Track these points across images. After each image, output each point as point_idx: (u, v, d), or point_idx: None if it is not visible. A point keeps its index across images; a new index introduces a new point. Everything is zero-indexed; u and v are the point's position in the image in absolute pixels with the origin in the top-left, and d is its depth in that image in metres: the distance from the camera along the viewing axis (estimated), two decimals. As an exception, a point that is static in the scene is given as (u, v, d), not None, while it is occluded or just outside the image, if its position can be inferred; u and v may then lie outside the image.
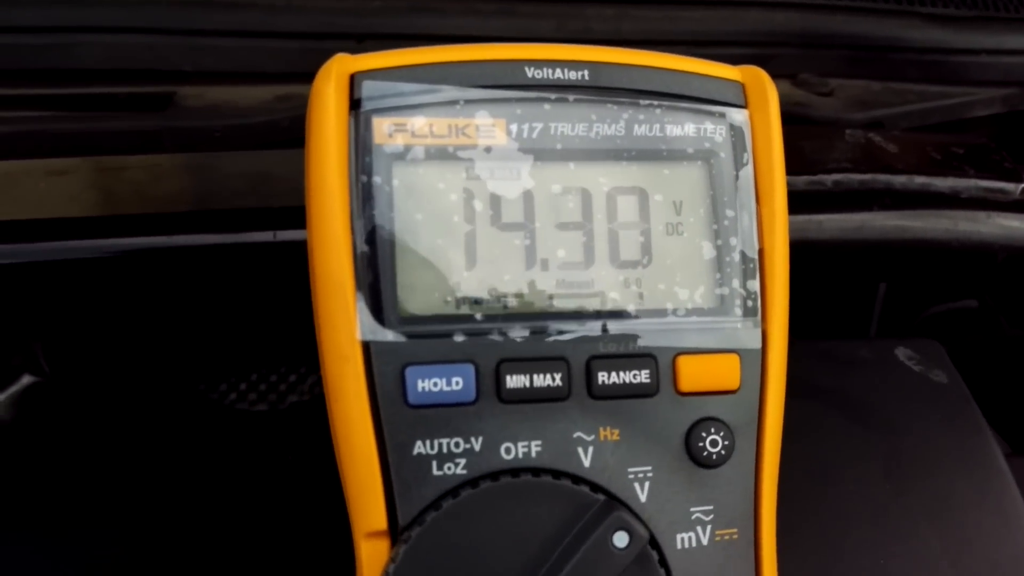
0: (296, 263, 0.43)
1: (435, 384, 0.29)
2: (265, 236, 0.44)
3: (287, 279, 0.45)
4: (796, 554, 0.41)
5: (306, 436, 0.48)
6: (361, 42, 0.59)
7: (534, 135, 0.31)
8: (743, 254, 0.32)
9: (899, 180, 0.52)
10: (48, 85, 0.54)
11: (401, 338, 0.29)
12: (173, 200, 0.46)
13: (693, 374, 0.31)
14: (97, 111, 0.54)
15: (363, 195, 0.30)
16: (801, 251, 0.50)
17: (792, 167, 0.51)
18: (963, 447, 0.46)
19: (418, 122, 0.30)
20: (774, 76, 0.66)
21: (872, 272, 0.65)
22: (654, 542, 0.30)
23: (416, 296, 0.30)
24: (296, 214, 0.44)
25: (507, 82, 0.31)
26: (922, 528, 0.43)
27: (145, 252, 0.44)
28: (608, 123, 0.32)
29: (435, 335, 0.29)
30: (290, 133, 0.51)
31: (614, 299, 0.31)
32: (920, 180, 0.53)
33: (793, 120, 0.62)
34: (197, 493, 0.45)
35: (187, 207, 0.45)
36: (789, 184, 0.51)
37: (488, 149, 0.31)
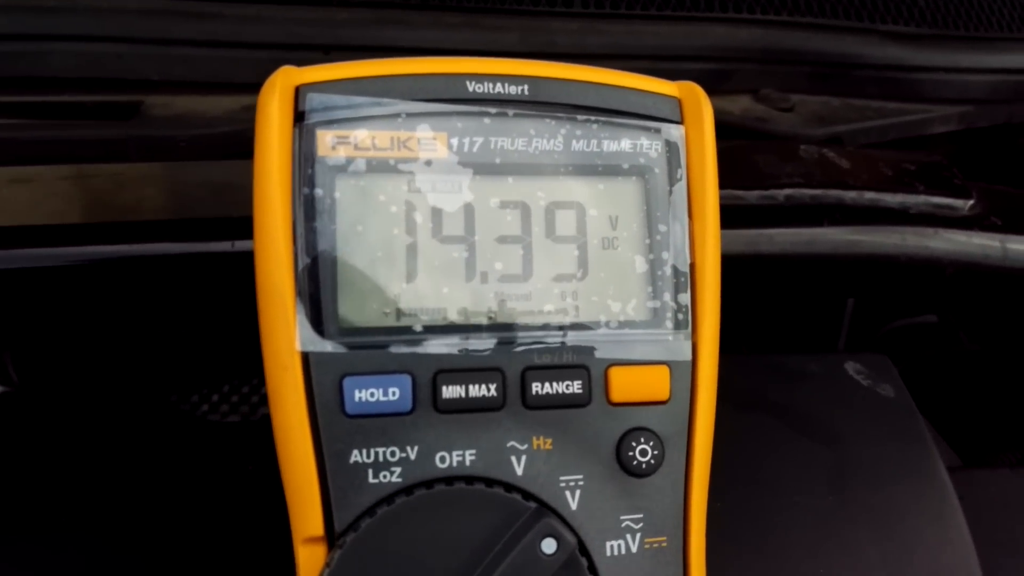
0: (249, 272, 0.44)
1: (372, 394, 0.30)
2: (223, 246, 0.45)
3: (249, 288, 0.46)
4: (738, 563, 0.42)
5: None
6: (328, 53, 0.59)
7: (474, 149, 0.32)
8: (675, 268, 0.33)
9: (850, 195, 0.53)
10: (15, 92, 0.54)
11: (340, 349, 0.30)
12: (137, 209, 0.46)
13: (624, 385, 0.32)
14: (64, 119, 0.54)
15: (305, 207, 0.30)
16: (752, 264, 0.51)
17: (745, 181, 0.53)
18: (906, 459, 0.47)
19: (361, 135, 0.31)
20: (736, 91, 0.67)
21: (828, 287, 0.66)
22: (584, 549, 0.31)
23: (356, 307, 0.30)
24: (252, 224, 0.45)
25: (449, 96, 0.32)
26: (863, 538, 0.44)
27: (112, 261, 0.44)
28: (546, 138, 0.33)
29: (373, 346, 0.30)
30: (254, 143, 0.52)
31: (550, 311, 0.32)
32: (870, 196, 0.54)
33: (753, 135, 0.63)
34: (168, 505, 0.45)
35: (150, 216, 0.46)
36: (742, 197, 0.52)
37: (429, 162, 0.32)
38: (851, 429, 0.48)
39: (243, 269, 0.45)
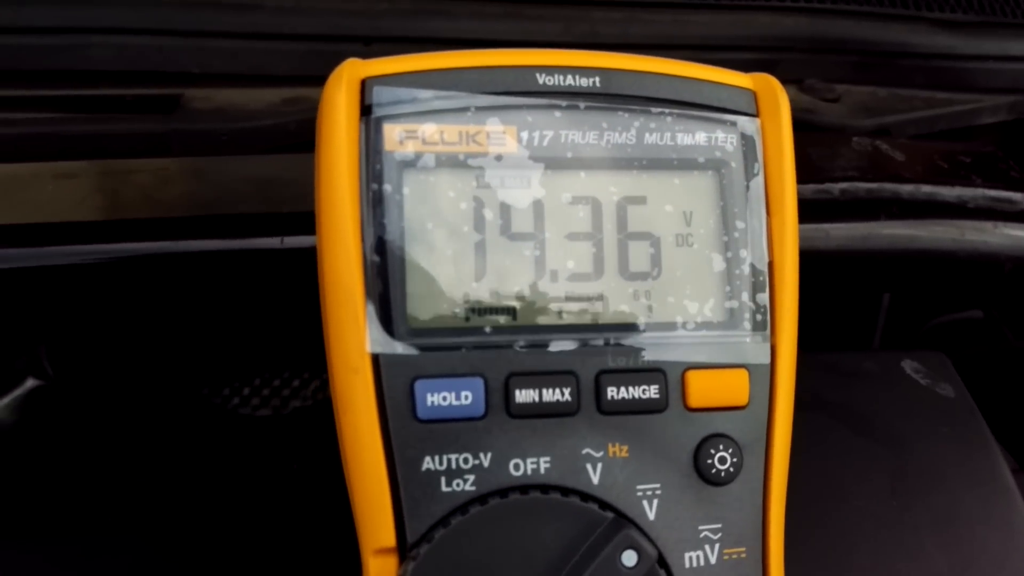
0: (301, 268, 0.43)
1: (444, 398, 0.29)
2: (272, 242, 0.44)
3: (292, 284, 0.45)
4: (801, 570, 0.40)
5: (309, 442, 0.48)
6: (368, 44, 0.59)
7: (545, 143, 0.31)
8: (753, 266, 0.32)
9: (906, 189, 0.52)
10: (55, 86, 0.54)
11: (411, 350, 0.29)
12: (180, 204, 0.46)
13: (702, 390, 0.31)
14: (104, 113, 0.53)
15: (373, 203, 0.29)
16: (807, 260, 0.50)
17: (799, 175, 0.51)
18: (970, 462, 0.46)
19: (429, 129, 0.30)
20: (781, 81, 0.66)
21: (878, 282, 0.65)
22: (662, 561, 0.30)
23: (426, 307, 0.29)
24: (303, 219, 0.44)
25: (518, 88, 0.31)
26: (928, 543, 0.43)
27: (151, 257, 0.44)
28: (619, 131, 0.31)
29: (444, 347, 0.29)
30: (297, 137, 0.51)
31: (623, 312, 0.31)
32: (927, 189, 0.52)
33: (799, 126, 0.61)
34: (200, 498, 0.44)
35: (194, 212, 0.45)
36: (796, 192, 0.51)
37: (499, 157, 0.30)
38: (912, 430, 0.47)
39: (283, 264, 0.45)
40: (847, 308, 0.70)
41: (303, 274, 0.42)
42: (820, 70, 0.67)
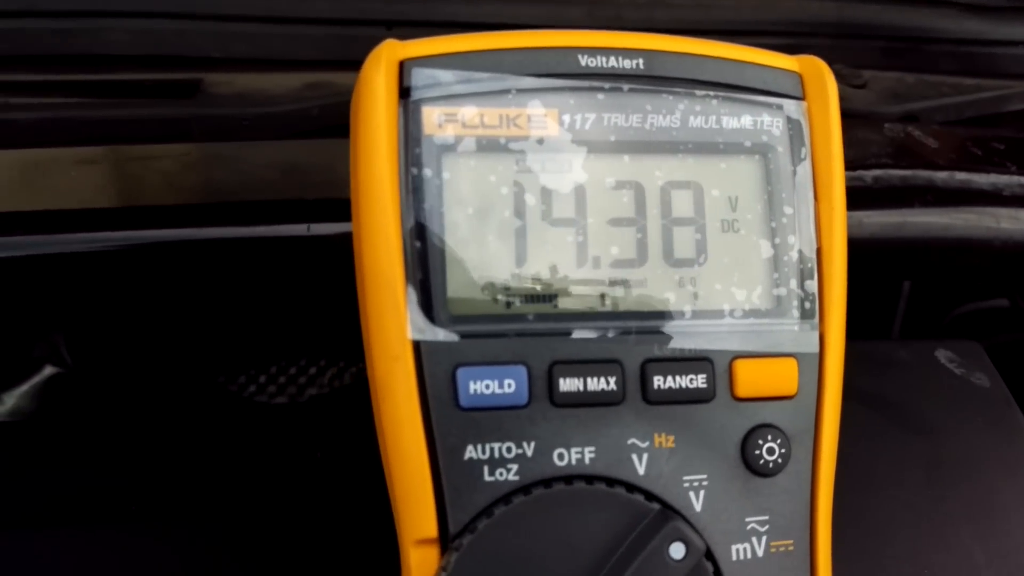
0: (322, 256, 0.42)
1: (487, 386, 0.28)
2: (296, 229, 0.43)
3: (311, 272, 0.44)
4: (836, 561, 0.40)
5: (326, 429, 0.48)
6: (390, 28, 0.58)
7: (587, 126, 0.30)
8: (801, 253, 0.31)
9: (940, 176, 0.51)
10: (75, 71, 0.53)
11: (452, 337, 0.28)
12: (201, 191, 0.45)
13: (750, 379, 0.30)
14: (125, 98, 0.53)
15: (413, 188, 0.29)
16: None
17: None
18: (1006, 452, 0.45)
19: (469, 112, 0.29)
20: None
21: (906, 270, 0.64)
22: (709, 553, 0.29)
23: (467, 294, 0.29)
24: (326, 206, 0.43)
25: (560, 71, 0.30)
26: (964, 533, 0.42)
27: (170, 244, 0.43)
28: (663, 114, 0.31)
29: (487, 334, 0.28)
30: (320, 122, 0.50)
31: (669, 299, 0.30)
32: (961, 177, 0.51)
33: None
34: (216, 486, 0.44)
35: (215, 198, 0.45)
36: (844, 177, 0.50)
37: (540, 140, 0.30)
38: (947, 420, 0.47)
39: (304, 252, 0.44)
40: (867, 296, 0.69)
41: (322, 261, 0.41)
42: (847, 56, 0.66)
